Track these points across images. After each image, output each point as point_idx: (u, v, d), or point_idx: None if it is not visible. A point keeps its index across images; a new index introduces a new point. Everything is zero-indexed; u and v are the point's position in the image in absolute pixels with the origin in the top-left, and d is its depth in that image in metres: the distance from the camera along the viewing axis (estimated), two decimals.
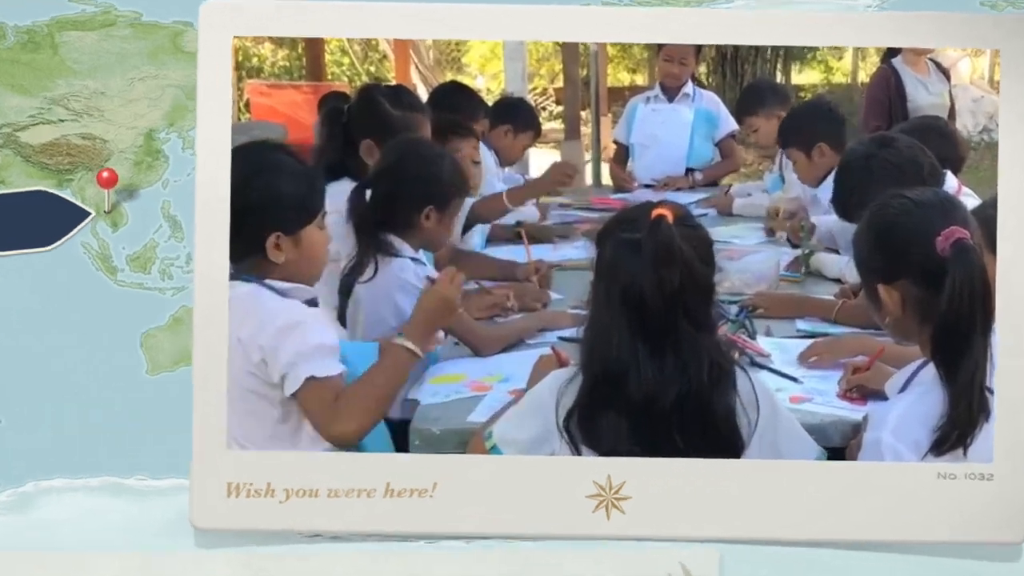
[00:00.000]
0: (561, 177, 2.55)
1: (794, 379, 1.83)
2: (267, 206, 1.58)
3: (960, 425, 1.25)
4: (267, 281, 1.56)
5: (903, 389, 1.34)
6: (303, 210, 1.60)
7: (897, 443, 1.26)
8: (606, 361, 1.29)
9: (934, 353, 1.29)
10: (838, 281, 2.46)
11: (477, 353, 2.00)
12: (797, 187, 2.99)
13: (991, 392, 1.26)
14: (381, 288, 1.97)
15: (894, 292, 1.35)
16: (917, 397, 1.30)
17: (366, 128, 2.27)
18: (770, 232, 2.95)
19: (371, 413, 1.50)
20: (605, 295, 1.30)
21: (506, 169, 3.55)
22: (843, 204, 2.21)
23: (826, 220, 2.69)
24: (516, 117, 3.26)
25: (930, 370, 1.31)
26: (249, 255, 1.55)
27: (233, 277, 1.41)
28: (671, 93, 3.73)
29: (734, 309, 2.19)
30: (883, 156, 2.10)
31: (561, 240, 2.89)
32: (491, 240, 2.86)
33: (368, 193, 2.05)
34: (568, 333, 1.96)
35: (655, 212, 1.30)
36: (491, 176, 2.90)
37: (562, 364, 1.48)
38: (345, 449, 1.44)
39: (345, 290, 2.03)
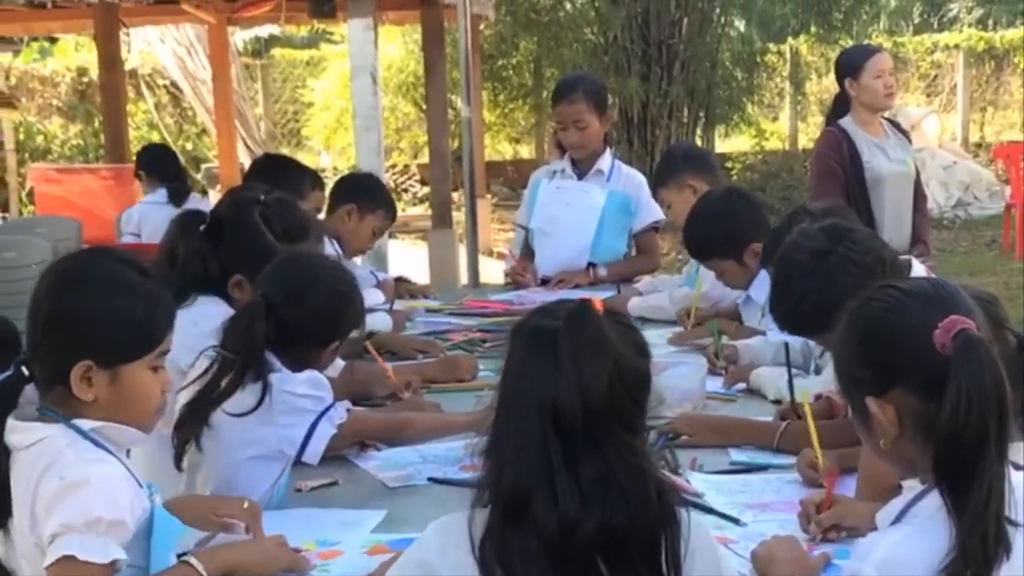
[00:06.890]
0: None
1: (736, 520, 1.63)
2: (76, 325, 1.35)
3: (973, 563, 1.12)
4: (75, 421, 1.37)
5: (897, 520, 1.21)
6: (130, 340, 1.37)
7: None
8: (512, 481, 1.18)
9: (937, 477, 1.16)
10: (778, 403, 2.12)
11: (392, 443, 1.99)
12: (710, 280, 2.68)
13: (1012, 523, 1.13)
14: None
15: (888, 407, 1.21)
16: (914, 531, 1.17)
17: (237, 259, 2.03)
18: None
19: None
20: (514, 399, 1.20)
21: (358, 262, 3.05)
22: (791, 316, 1.83)
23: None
24: (361, 193, 2.85)
25: (933, 500, 1.17)
26: (55, 384, 1.37)
27: (36, 411, 1.36)
28: (582, 168, 3.28)
29: (651, 436, 1.70)
30: (842, 252, 1.75)
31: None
32: None
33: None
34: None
35: (580, 299, 1.24)
36: None
37: None
38: None
39: (199, 415, 1.76)
